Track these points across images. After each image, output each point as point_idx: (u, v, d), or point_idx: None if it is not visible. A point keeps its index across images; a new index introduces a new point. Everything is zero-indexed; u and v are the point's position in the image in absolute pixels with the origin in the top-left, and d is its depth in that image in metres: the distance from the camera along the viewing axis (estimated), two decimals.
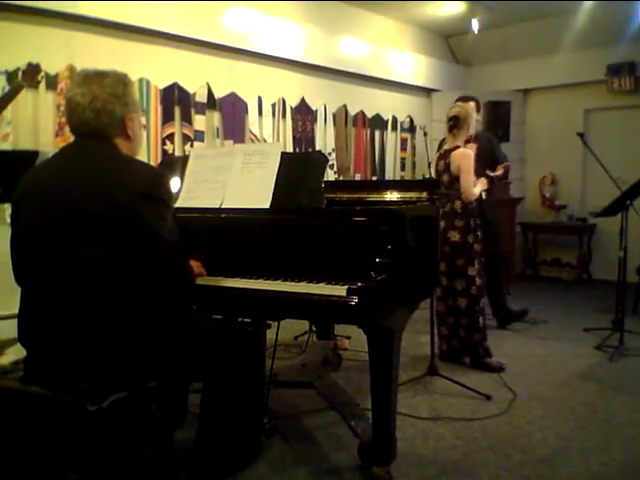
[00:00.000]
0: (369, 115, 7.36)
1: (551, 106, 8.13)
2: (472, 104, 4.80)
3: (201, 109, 5.65)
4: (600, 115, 7.77)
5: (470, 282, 4.01)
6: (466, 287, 4.03)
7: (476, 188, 4.03)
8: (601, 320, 5.10)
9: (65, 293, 1.84)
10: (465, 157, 3.99)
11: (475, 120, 4.21)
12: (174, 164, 3.00)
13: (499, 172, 5.13)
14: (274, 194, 2.57)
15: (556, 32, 7.35)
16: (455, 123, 4.11)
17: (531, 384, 3.78)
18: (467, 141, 4.30)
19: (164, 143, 5.37)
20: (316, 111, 6.71)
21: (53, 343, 1.87)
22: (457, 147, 4.05)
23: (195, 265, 2.31)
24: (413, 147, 8.04)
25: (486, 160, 4.96)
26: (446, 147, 4.16)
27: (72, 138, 2.06)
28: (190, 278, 2.19)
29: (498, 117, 6.81)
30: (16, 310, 1.98)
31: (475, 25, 7.18)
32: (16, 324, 1.98)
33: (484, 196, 4.39)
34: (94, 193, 1.84)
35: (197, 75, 5.61)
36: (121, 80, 2.03)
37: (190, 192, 2.79)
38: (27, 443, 1.85)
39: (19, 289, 1.97)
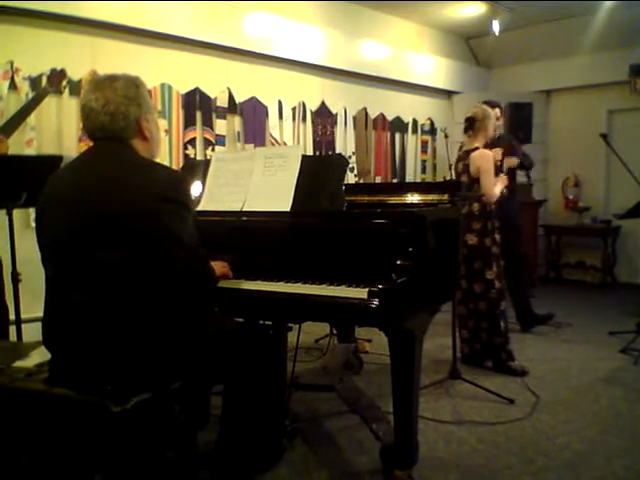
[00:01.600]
0: (389, 118, 7.35)
1: (574, 107, 8.05)
2: (497, 110, 4.81)
3: (222, 113, 5.68)
4: (623, 116, 7.67)
5: (489, 285, 3.98)
6: (485, 290, 4.00)
7: (496, 188, 4.00)
8: (626, 323, 5.04)
9: (89, 296, 1.86)
10: (484, 158, 3.97)
11: (494, 122, 4.17)
12: (196, 168, 3.02)
13: (513, 162, 5.02)
14: (295, 197, 2.57)
15: (578, 33, 7.28)
16: (471, 124, 4.10)
17: (555, 388, 3.74)
18: (490, 145, 4.29)
19: (186, 148, 5.41)
20: (336, 114, 6.72)
21: (77, 346, 1.89)
22: (476, 148, 4.03)
23: (221, 265, 2.33)
24: (434, 149, 8.01)
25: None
26: (465, 148, 4.14)
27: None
28: (211, 281, 2.20)
29: (520, 119, 6.74)
30: (40, 313, 2.01)
31: (496, 26, 7.14)
32: (39, 327, 2.01)
33: (505, 193, 4.33)
34: (114, 197, 1.86)
35: (218, 80, 5.64)
36: (132, 82, 2.05)
37: (212, 195, 2.81)
38: (52, 444, 1.87)
39: (43, 293, 2.00)
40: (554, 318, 5.35)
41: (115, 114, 1.97)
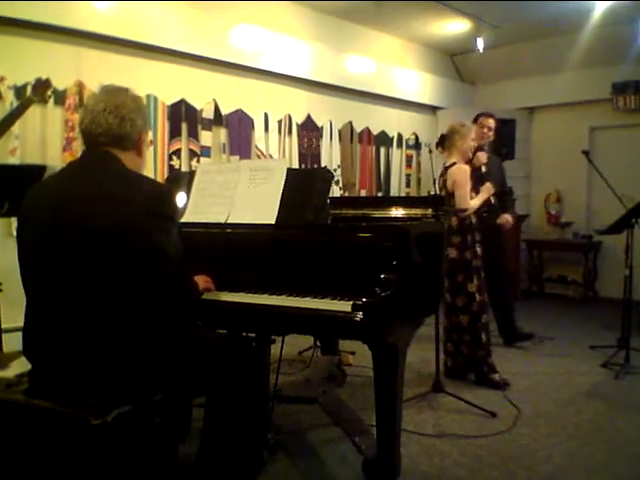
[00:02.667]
0: (375, 132, 7.40)
1: (556, 124, 8.15)
2: (490, 120, 4.96)
3: (208, 125, 5.68)
4: (605, 133, 7.78)
5: (470, 298, 4.01)
6: (467, 303, 4.03)
7: (475, 200, 4.06)
8: (607, 338, 5.08)
9: (70, 307, 1.85)
10: (460, 172, 4.04)
11: (468, 138, 4.18)
12: (181, 179, 3.02)
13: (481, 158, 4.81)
14: (280, 210, 2.58)
15: (561, 50, 7.39)
16: (441, 140, 4.21)
17: (536, 401, 3.76)
18: (477, 149, 4.36)
19: (171, 159, 5.40)
20: (322, 128, 6.75)
21: (58, 356, 1.87)
22: (454, 164, 4.09)
23: (204, 280, 2.32)
24: (418, 164, 8.06)
25: (497, 182, 4.85)
26: (444, 165, 4.21)
27: (79, 153, 2.09)
28: (195, 294, 2.20)
29: (503, 135, 6.79)
30: (21, 323, 1.99)
31: (480, 44, 7.21)
32: (20, 337, 1.99)
33: (493, 201, 4.34)
34: (100, 209, 1.86)
35: (204, 91, 5.65)
36: (140, 98, 2.13)
37: (196, 207, 2.80)
38: (31, 456, 1.85)
39: (24, 302, 1.98)
40: (534, 336, 5.36)
41: (125, 118, 2.00)
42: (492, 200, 4.35)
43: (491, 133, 5.06)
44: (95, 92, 2.11)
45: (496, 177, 4.90)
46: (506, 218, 5.08)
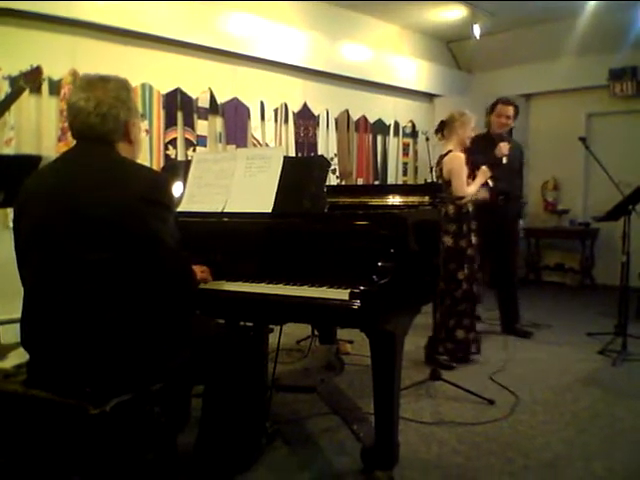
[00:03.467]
0: (371, 120, 7.38)
1: (553, 111, 8.13)
2: (509, 108, 4.89)
3: (204, 114, 5.66)
4: (602, 120, 7.77)
5: (457, 285, 4.07)
6: (452, 289, 4.08)
7: (471, 187, 4.06)
8: (604, 325, 5.08)
9: (68, 296, 1.85)
10: (455, 160, 4.07)
11: (468, 126, 4.17)
12: (177, 169, 3.00)
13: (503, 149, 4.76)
14: (276, 198, 2.57)
15: (558, 37, 7.36)
16: (440, 127, 4.23)
17: (534, 389, 3.77)
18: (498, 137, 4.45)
19: (167, 148, 5.38)
20: (318, 116, 6.73)
21: (56, 346, 1.87)
22: (449, 152, 4.09)
23: (200, 270, 2.31)
24: (415, 152, 8.05)
25: (513, 168, 4.89)
26: (440, 153, 4.21)
27: (74, 143, 2.07)
28: (193, 283, 2.19)
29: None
30: (18, 314, 1.98)
31: (477, 31, 7.18)
32: (17, 328, 1.98)
33: (491, 184, 4.32)
34: (96, 197, 1.84)
35: (199, 80, 5.63)
36: (124, 85, 2.05)
37: (193, 196, 2.79)
38: (30, 446, 1.85)
39: (21, 294, 1.98)
40: (531, 319, 5.37)
41: (106, 116, 1.96)
42: (490, 183, 4.31)
43: (510, 121, 4.95)
44: (75, 84, 2.07)
45: (513, 165, 4.90)
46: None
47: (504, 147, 4.68)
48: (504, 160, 4.67)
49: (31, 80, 3.86)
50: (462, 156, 4.08)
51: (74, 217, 1.85)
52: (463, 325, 4.12)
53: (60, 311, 1.86)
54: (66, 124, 4.52)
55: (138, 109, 2.16)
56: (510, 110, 4.93)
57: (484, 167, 4.28)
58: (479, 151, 4.51)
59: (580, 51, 7.37)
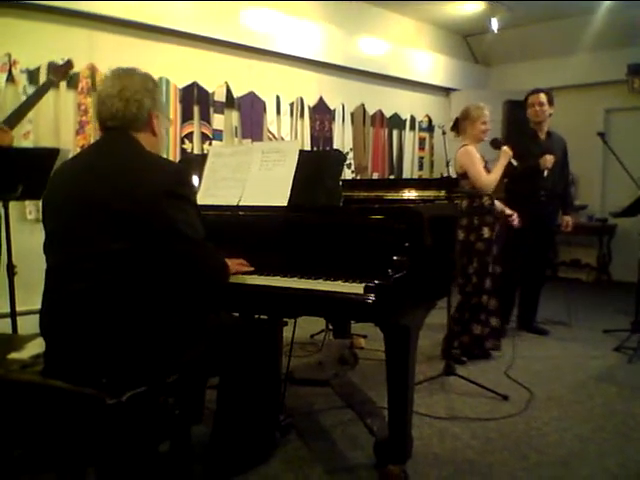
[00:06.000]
0: (387, 114, 7.35)
1: (571, 106, 8.02)
2: (541, 95, 4.81)
3: (220, 108, 5.68)
4: (621, 115, 7.69)
5: (467, 279, 4.07)
6: (463, 284, 4.09)
7: (493, 173, 4.06)
8: (620, 322, 5.05)
9: (88, 286, 1.86)
10: (465, 154, 4.08)
11: (478, 117, 4.15)
12: (193, 163, 3.02)
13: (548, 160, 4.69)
14: (292, 192, 2.57)
15: (576, 32, 7.30)
16: (455, 123, 4.26)
17: (549, 385, 3.75)
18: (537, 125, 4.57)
19: (183, 142, 5.41)
20: (334, 110, 6.72)
21: (74, 336, 1.89)
22: (462, 146, 4.14)
23: (237, 262, 2.33)
24: (431, 146, 8.02)
25: (557, 162, 4.78)
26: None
27: (92, 137, 2.09)
28: (221, 275, 2.20)
29: (518, 117, 6.75)
30: (36, 306, 2.01)
31: (495, 24, 7.15)
32: (35, 320, 2.01)
33: (515, 163, 4.27)
34: (120, 190, 1.86)
35: (216, 74, 5.64)
36: (150, 78, 2.11)
37: (208, 190, 2.80)
38: (45, 436, 1.88)
39: (40, 285, 2.00)
40: (548, 315, 5.35)
41: (130, 101, 2.00)
42: (513, 162, 4.24)
43: (545, 107, 4.80)
44: (104, 77, 2.12)
45: (560, 176, 4.88)
46: (567, 220, 5.03)
47: (549, 160, 4.63)
48: (545, 173, 4.63)
49: (61, 74, 3.87)
50: (471, 149, 4.07)
51: (97, 209, 1.87)
52: (480, 319, 4.11)
53: (79, 301, 1.87)
54: (84, 118, 4.59)
55: (164, 104, 2.19)
56: (541, 97, 4.82)
57: (505, 147, 4.23)
58: (521, 149, 4.46)
59: (598, 46, 7.30)
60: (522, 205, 4.56)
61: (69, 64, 3.87)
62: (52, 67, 4.01)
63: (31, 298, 2.78)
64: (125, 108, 1.99)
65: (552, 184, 4.78)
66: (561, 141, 5.07)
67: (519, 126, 6.47)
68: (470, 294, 4.09)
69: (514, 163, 4.25)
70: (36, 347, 2.29)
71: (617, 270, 7.54)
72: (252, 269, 2.39)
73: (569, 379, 3.88)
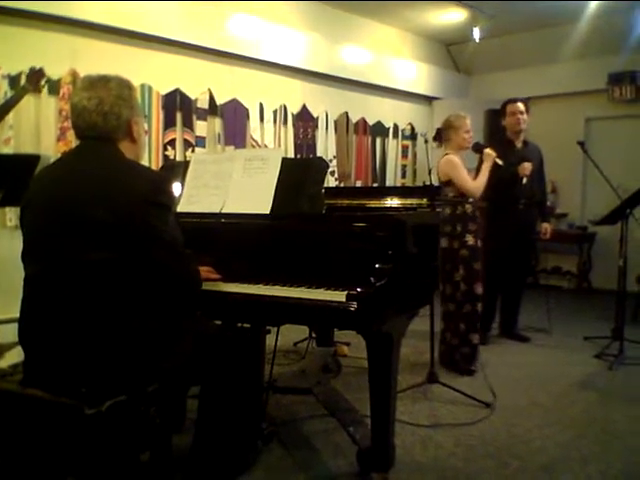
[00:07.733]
0: (370, 122, 7.39)
1: (552, 115, 8.12)
2: (518, 104, 4.86)
3: (203, 115, 5.67)
4: (601, 124, 7.78)
5: (455, 287, 4.05)
6: (452, 293, 4.07)
7: (480, 178, 4.10)
8: (601, 329, 5.08)
9: (66, 295, 1.84)
10: (448, 162, 4.10)
11: (459, 127, 4.17)
12: (175, 169, 3.00)
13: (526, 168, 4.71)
14: (274, 199, 2.57)
15: (557, 41, 7.37)
16: (438, 133, 4.29)
17: (530, 392, 3.77)
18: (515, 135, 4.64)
19: (165, 149, 5.39)
20: (317, 118, 6.73)
21: (53, 345, 1.86)
22: (444, 155, 4.16)
23: (206, 270, 2.31)
24: (414, 154, 8.06)
25: (533, 170, 4.79)
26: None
27: (73, 143, 2.07)
28: (194, 284, 2.18)
29: (499, 125, 6.81)
30: (15, 314, 1.98)
31: (476, 34, 7.20)
32: (14, 328, 1.98)
33: (500, 162, 4.28)
34: (99, 199, 1.85)
35: (199, 81, 5.63)
36: (126, 84, 2.06)
37: (191, 197, 2.79)
38: (25, 446, 1.85)
39: (19, 293, 1.97)
40: (529, 323, 5.38)
41: (108, 114, 1.97)
42: (498, 162, 4.26)
43: (525, 116, 4.87)
44: (77, 84, 2.08)
45: (538, 184, 4.96)
46: (545, 228, 5.10)
47: (527, 167, 4.66)
48: (524, 181, 4.67)
49: (34, 82, 3.87)
50: (453, 158, 4.09)
51: (76, 219, 1.85)
52: (476, 328, 4.11)
53: (57, 310, 1.85)
54: (65, 124, 4.55)
55: (140, 107, 2.16)
56: (520, 106, 4.88)
57: (487, 150, 4.26)
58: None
59: (579, 55, 7.39)
60: (501, 213, 4.60)
61: (40, 72, 3.88)
62: (28, 74, 4.00)
63: (10, 306, 2.74)
64: (104, 122, 1.97)
65: (530, 192, 4.82)
66: (537, 150, 5.14)
67: (500, 135, 6.55)
68: (462, 302, 4.06)
69: (499, 162, 4.28)
70: (15, 356, 2.26)
71: (597, 278, 7.61)
72: (219, 277, 2.37)
73: (550, 386, 3.90)
